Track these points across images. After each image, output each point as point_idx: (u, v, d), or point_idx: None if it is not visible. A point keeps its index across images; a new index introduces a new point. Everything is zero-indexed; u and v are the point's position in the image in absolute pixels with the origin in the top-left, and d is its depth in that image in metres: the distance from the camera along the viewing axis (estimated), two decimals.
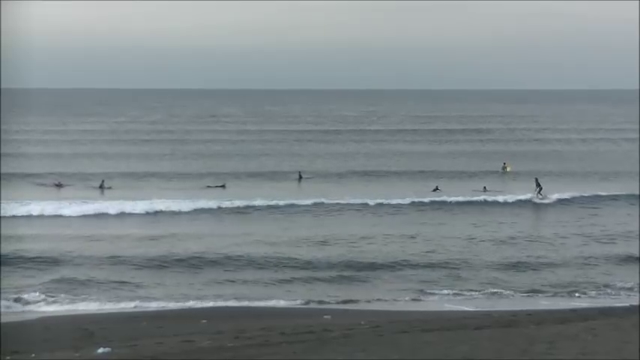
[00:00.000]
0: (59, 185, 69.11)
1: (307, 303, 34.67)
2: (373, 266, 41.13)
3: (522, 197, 61.77)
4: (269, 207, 58.60)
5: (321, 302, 34.71)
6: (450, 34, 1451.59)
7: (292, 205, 58.97)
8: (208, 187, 70.88)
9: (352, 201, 60.15)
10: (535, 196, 61.21)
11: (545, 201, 60.92)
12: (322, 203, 59.73)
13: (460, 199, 61.79)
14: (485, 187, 67.58)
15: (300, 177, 76.17)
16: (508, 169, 78.72)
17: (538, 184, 61.75)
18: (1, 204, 55.95)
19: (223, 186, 70.94)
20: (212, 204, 59.21)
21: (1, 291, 35.78)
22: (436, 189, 66.92)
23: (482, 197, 62.49)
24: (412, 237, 48.54)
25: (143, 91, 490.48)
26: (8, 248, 44.14)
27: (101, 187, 69.18)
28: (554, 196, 61.27)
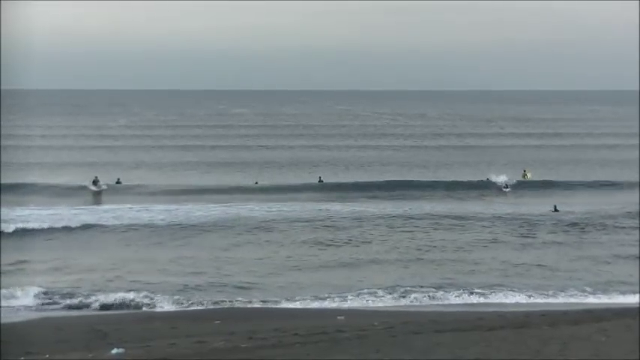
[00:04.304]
0: (96, 182, 70.02)
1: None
2: None
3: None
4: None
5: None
6: (450, 35, 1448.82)
7: None
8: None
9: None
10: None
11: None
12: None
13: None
14: (506, 184, 68.50)
15: (320, 181, 76.13)
16: (529, 175, 77.65)
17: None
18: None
19: (256, 183, 72.57)
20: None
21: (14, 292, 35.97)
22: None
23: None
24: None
25: (150, 92, 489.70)
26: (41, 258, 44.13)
27: (117, 182, 72.18)
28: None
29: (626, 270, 41.42)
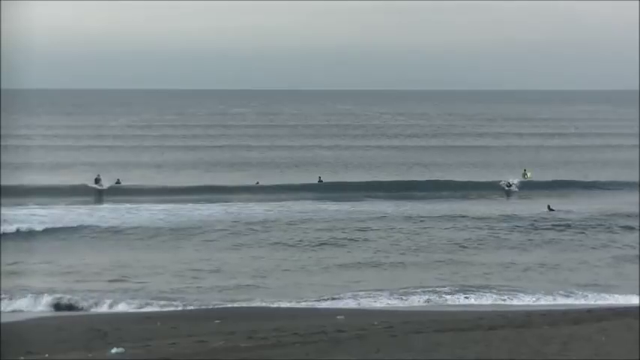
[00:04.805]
0: (98, 181, 70.41)
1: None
2: None
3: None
4: None
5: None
6: (450, 35, 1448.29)
7: None
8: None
9: None
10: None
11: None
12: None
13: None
14: (509, 183, 69.05)
15: (320, 180, 75.85)
16: (528, 175, 77.56)
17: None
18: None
19: (257, 183, 72.60)
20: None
21: (16, 292, 35.97)
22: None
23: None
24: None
25: (150, 92, 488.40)
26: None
27: (117, 182, 71.91)
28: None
29: (622, 270, 41.44)
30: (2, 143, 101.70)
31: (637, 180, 73.62)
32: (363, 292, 36.31)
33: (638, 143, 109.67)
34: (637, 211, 56.24)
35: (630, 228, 51.75)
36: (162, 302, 34.83)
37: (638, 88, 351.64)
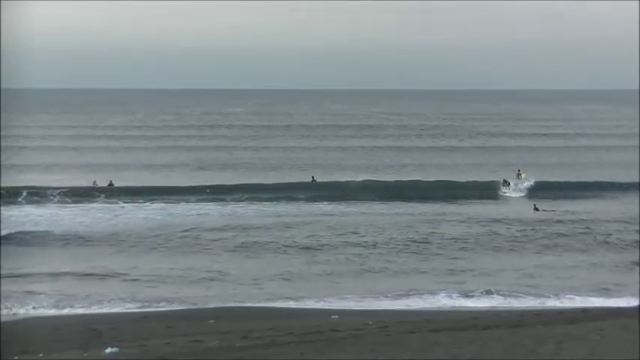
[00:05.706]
0: (96, 185, 70.69)
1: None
2: None
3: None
4: None
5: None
6: (449, 34, 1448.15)
7: None
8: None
9: None
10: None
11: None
12: None
13: None
14: (504, 180, 69.45)
15: (313, 180, 75.84)
16: (523, 175, 77.53)
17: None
18: None
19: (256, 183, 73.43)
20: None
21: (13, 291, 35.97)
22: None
23: None
24: None
25: (149, 92, 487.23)
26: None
27: (110, 185, 71.21)
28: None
29: (617, 271, 41.50)
30: (1, 144, 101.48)
31: (636, 181, 73.40)
32: (357, 292, 36.37)
33: (637, 144, 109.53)
34: (631, 212, 56.27)
35: (623, 229, 51.70)
36: (157, 302, 34.85)
37: (638, 88, 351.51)
